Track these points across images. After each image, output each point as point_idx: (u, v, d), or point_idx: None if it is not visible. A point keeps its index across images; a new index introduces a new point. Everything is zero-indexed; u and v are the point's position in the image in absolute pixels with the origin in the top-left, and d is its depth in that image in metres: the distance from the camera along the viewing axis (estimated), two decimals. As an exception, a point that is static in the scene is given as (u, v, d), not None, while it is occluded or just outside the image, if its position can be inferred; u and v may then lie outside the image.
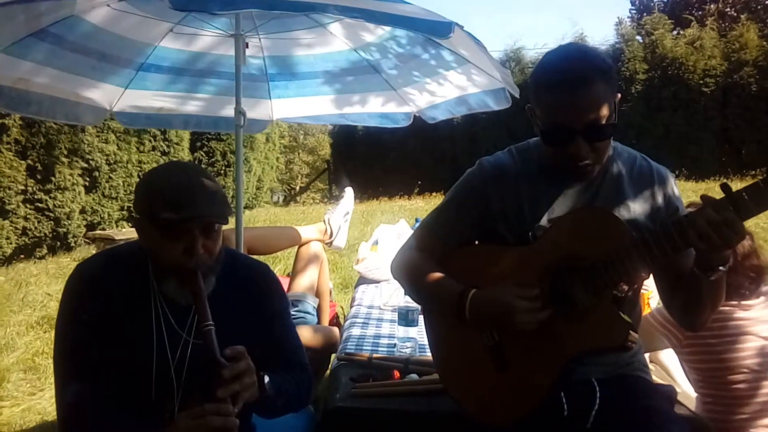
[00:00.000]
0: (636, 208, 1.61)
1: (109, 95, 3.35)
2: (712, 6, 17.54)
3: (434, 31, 2.28)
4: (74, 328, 1.55)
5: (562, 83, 1.46)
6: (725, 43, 12.43)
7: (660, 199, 1.63)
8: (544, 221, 1.61)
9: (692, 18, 14.45)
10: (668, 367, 2.50)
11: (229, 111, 3.04)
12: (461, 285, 1.62)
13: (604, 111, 1.47)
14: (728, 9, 17.67)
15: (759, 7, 15.77)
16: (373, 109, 3.63)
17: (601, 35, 24.38)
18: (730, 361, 2.03)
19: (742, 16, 13.49)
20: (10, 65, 2.70)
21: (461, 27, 2.31)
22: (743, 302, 2.06)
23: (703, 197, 1.40)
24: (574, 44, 1.61)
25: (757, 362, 2.01)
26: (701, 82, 12.04)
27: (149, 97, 3.50)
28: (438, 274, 1.69)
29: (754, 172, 10.77)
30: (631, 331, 1.48)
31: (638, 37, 13.37)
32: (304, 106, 3.72)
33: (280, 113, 3.78)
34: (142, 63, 3.28)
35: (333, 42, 3.28)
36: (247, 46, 2.89)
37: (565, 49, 1.59)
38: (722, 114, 12.04)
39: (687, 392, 2.27)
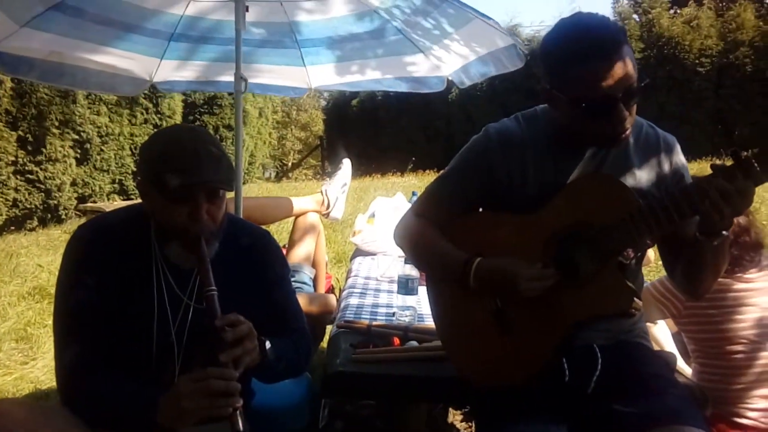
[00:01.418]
0: (642, 175, 1.61)
1: (146, 66, 3.38)
2: (709, -15, 17.42)
3: None
4: (75, 290, 1.54)
5: (594, 53, 1.41)
6: (722, 22, 12.41)
7: (666, 167, 1.62)
8: (550, 189, 1.59)
9: (690, -3, 14.33)
10: (661, 341, 2.52)
11: (258, 76, 3.02)
12: (465, 253, 1.61)
13: (634, 72, 1.44)
14: (725, -12, 17.56)
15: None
16: (406, 73, 3.55)
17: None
18: (728, 332, 2.04)
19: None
20: (37, 39, 2.76)
21: None
22: (743, 274, 2.07)
23: (713, 165, 1.39)
24: (583, 14, 1.56)
25: (755, 333, 2.03)
26: (696, 61, 12.04)
27: (186, 67, 3.51)
28: (442, 242, 1.69)
29: (746, 153, 10.77)
30: (635, 298, 1.48)
31: (635, 16, 13.32)
32: (338, 72, 3.66)
33: (317, 81, 3.71)
34: (171, 33, 3.28)
35: (350, 3, 3.21)
36: (247, 10, 2.85)
37: (580, 20, 1.51)
38: (716, 94, 12.06)
39: (680, 366, 2.29)
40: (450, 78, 3.47)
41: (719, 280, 1.69)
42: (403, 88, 3.66)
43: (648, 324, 2.38)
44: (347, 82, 3.73)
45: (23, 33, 2.69)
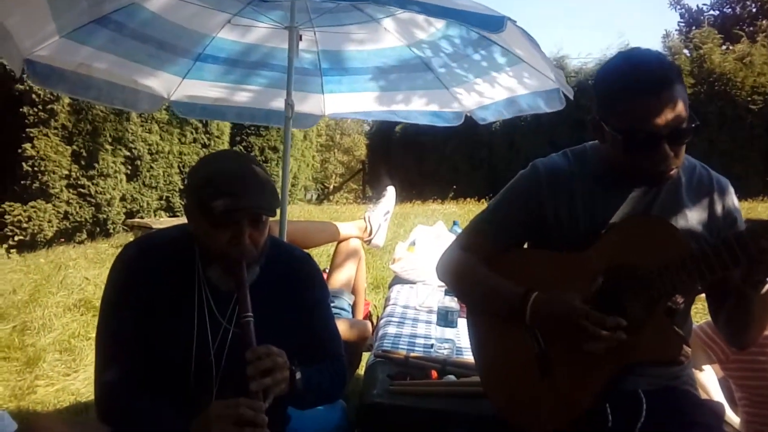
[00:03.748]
0: (693, 216, 1.57)
1: (167, 84, 3.38)
2: (764, 22, 17.04)
3: (486, 25, 2.23)
4: (118, 309, 1.56)
5: (643, 88, 1.39)
6: (776, 60, 12.10)
7: (719, 209, 1.58)
8: (598, 227, 1.56)
9: (743, 33, 13.99)
10: (708, 389, 2.43)
11: (280, 103, 3.05)
12: (521, 287, 1.58)
13: (685, 112, 1.42)
14: (781, 25, 17.18)
15: (812, 24, 15.31)
16: (425, 107, 3.58)
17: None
18: None
19: (795, 33, 13.12)
20: (71, 50, 2.76)
21: (514, 22, 2.25)
22: None
23: None
24: (640, 49, 1.54)
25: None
26: (749, 99, 11.72)
27: (205, 88, 3.51)
28: (491, 275, 1.65)
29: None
30: (684, 345, 1.43)
31: (686, 51, 13.09)
32: (355, 101, 3.70)
33: (331, 108, 3.76)
34: (200, 53, 3.31)
35: (386, 38, 3.25)
36: (300, 39, 2.88)
37: (634, 54, 1.50)
38: (769, 133, 11.73)
39: (728, 416, 2.20)
40: (468, 114, 3.51)
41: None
42: (419, 120, 3.70)
43: (695, 371, 2.30)
44: (360, 111, 3.79)
45: (60, 43, 2.68)
